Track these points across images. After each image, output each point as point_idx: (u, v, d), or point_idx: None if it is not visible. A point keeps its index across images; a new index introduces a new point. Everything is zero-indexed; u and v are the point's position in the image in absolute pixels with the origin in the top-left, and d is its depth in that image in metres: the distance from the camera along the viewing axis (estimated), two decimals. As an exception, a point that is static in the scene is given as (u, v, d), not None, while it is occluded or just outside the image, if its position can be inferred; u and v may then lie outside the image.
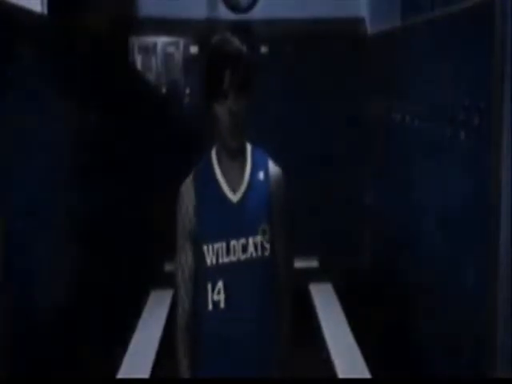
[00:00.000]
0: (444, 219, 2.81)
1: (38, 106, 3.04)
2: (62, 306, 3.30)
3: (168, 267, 4.29)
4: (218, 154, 2.00)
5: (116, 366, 3.29)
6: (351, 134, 4.45)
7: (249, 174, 1.98)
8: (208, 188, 1.96)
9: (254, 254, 1.92)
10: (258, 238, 1.93)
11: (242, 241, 1.92)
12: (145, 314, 3.98)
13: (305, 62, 4.38)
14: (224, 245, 1.92)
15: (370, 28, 4.39)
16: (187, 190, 1.99)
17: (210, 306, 1.90)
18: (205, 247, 1.92)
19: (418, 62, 3.26)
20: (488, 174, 2.31)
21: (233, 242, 1.92)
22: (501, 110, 2.23)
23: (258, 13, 4.43)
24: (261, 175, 1.99)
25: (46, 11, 3.33)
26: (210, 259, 1.91)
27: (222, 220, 1.94)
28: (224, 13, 4.45)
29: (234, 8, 4.47)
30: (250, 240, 1.92)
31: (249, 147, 2.03)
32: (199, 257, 1.94)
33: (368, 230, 4.41)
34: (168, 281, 4.24)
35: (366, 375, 3.14)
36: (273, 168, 2.02)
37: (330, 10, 4.39)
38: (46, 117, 3.15)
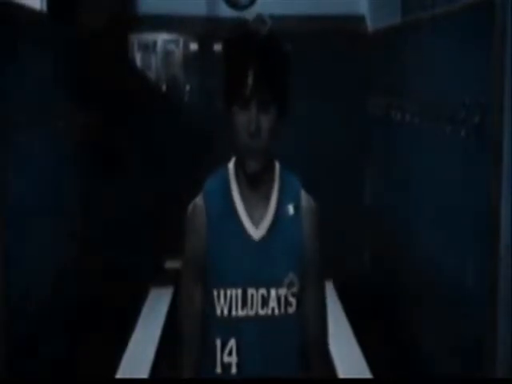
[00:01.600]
0: (444, 218, 2.79)
1: (37, 103, 3.04)
2: (62, 304, 3.29)
3: (168, 265, 4.29)
4: (236, 171, 1.59)
5: (115, 365, 3.28)
6: (350, 133, 4.43)
7: (275, 204, 1.57)
8: (223, 217, 1.56)
9: (277, 311, 1.53)
10: (283, 291, 1.54)
11: (262, 291, 1.53)
12: (144, 312, 3.98)
13: (304, 60, 4.36)
14: (240, 293, 1.53)
15: (371, 25, 4.38)
16: (197, 215, 1.59)
17: (219, 369, 1.54)
18: (215, 292, 1.54)
19: (419, 60, 3.25)
20: (488, 172, 2.30)
21: (251, 291, 1.53)
22: (501, 108, 2.22)
23: (257, 10, 4.42)
24: (290, 209, 1.59)
25: (45, 8, 3.33)
26: (220, 308, 1.53)
27: (240, 260, 1.54)
28: (224, 10, 4.44)
29: (233, 5, 4.45)
30: (273, 292, 1.53)
31: (277, 168, 1.61)
32: (207, 302, 1.56)
33: (368, 230, 4.40)
34: (168, 278, 4.27)
35: (367, 375, 3.13)
36: (306, 200, 1.62)
37: (330, 8, 4.37)
38: (45, 114, 3.14)
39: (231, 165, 1.61)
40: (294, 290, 1.55)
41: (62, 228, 3.40)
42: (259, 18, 1.57)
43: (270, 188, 1.59)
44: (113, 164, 4.16)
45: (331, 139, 4.40)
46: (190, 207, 1.62)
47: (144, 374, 3.21)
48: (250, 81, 1.45)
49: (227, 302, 1.54)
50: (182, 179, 4.08)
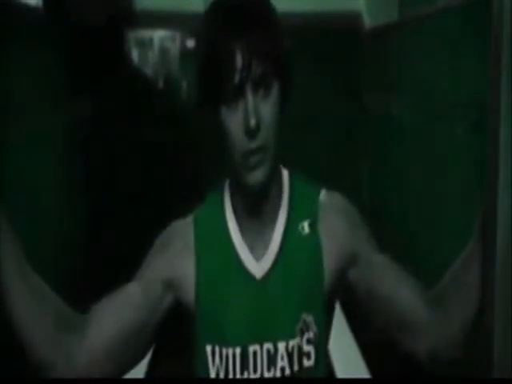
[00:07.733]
0: (441, 216, 2.78)
1: (34, 99, 3.02)
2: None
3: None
4: (232, 192, 1.24)
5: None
6: (348, 131, 4.43)
7: (283, 226, 1.21)
8: (216, 252, 1.21)
9: (288, 371, 1.15)
10: (295, 342, 1.16)
11: (268, 346, 1.16)
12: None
13: (301, 57, 4.35)
14: (238, 351, 1.16)
15: (367, 23, 4.37)
16: (183, 236, 1.24)
17: None
18: (209, 348, 1.18)
19: (416, 57, 3.24)
20: (486, 171, 2.28)
21: (253, 348, 1.16)
22: (499, 106, 2.20)
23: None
24: (305, 225, 1.22)
25: (40, 3, 3.31)
26: (215, 371, 1.17)
27: (237, 308, 1.18)
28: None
29: (231, 1, 4.44)
30: (281, 346, 1.15)
31: (285, 178, 1.27)
32: (198, 362, 1.20)
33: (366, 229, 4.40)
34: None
35: (365, 375, 3.12)
36: (329, 205, 1.26)
37: (326, 4, 4.35)
38: (42, 110, 3.13)
39: (226, 185, 1.27)
40: (311, 335, 1.16)
41: (62, 229, 3.38)
42: None
43: (277, 206, 1.22)
44: (108, 162, 4.15)
45: (328, 137, 4.39)
46: (171, 227, 1.28)
47: (139, 375, 3.20)
48: (239, 60, 1.07)
49: (223, 362, 1.17)
50: (179, 176, 4.08)
